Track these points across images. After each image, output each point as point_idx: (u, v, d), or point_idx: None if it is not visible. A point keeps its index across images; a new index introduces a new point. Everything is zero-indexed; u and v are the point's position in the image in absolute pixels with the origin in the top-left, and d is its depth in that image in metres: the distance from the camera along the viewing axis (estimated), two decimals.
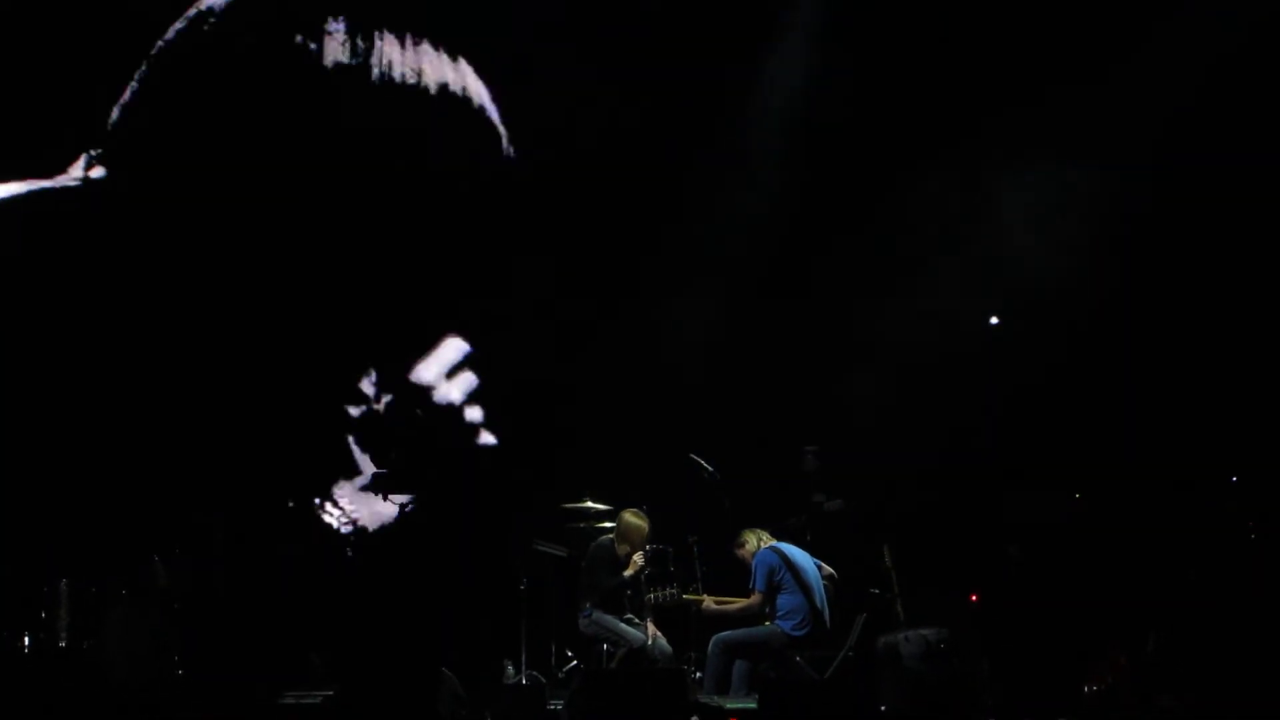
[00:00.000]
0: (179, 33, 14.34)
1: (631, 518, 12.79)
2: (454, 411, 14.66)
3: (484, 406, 14.77)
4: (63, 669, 11.33)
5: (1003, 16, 14.49)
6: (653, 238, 15.03)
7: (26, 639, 11.93)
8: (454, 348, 14.75)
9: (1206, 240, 14.20)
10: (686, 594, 12.60)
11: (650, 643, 12.50)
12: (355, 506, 14.24)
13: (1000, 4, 14.54)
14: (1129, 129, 14.28)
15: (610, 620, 12.65)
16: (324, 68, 14.44)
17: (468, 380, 14.73)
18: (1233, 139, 14.02)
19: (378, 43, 14.59)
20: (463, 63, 14.84)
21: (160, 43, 14.25)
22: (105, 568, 12.18)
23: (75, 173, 14.06)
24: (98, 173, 14.05)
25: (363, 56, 14.52)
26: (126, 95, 14.18)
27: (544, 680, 12.94)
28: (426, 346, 14.74)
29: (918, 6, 14.69)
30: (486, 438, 14.74)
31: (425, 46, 14.74)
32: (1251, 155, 13.99)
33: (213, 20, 14.37)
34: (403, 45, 14.65)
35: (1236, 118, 14.05)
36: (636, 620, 12.70)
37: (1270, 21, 13.81)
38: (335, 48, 14.52)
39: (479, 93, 14.91)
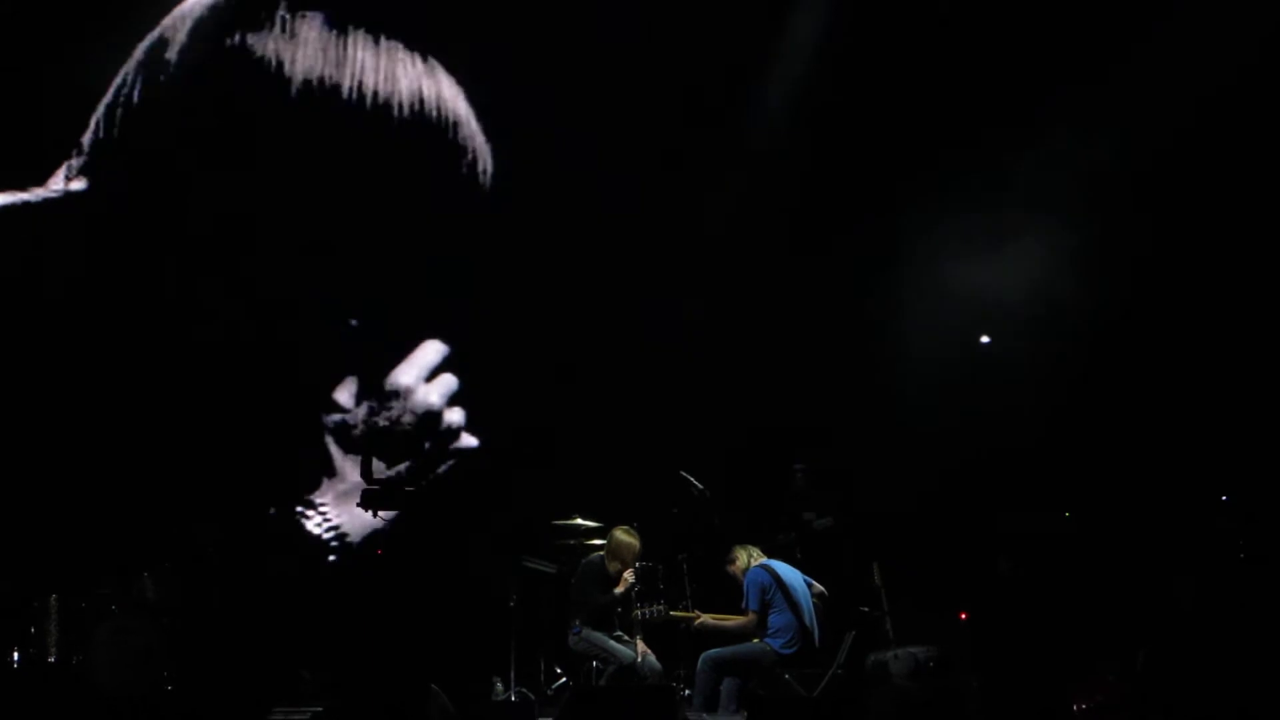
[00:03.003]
0: (153, 43, 14.45)
1: (623, 535, 12.77)
2: (434, 415, 14.71)
3: (465, 408, 14.83)
4: (52, 684, 11.33)
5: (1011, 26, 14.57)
6: (643, 251, 15.07)
7: (16, 654, 11.95)
8: (433, 350, 14.77)
9: (1202, 257, 14.24)
10: (675, 611, 12.59)
11: (639, 660, 12.48)
12: (338, 512, 14.26)
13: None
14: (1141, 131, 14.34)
15: (600, 637, 12.64)
16: (296, 82, 14.54)
17: (447, 383, 14.75)
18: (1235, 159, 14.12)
19: (350, 48, 14.65)
20: (437, 67, 14.89)
21: (137, 53, 14.35)
22: (95, 582, 12.20)
23: (55, 185, 14.13)
24: (78, 185, 14.11)
25: (336, 64, 14.60)
26: (101, 107, 14.28)
27: (533, 697, 12.95)
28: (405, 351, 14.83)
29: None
30: (468, 440, 14.77)
31: (398, 50, 14.80)
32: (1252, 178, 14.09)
33: (186, 30, 14.46)
34: (376, 45, 14.70)
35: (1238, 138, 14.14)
36: (626, 637, 12.68)
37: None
38: (310, 54, 14.60)
39: (454, 98, 14.96)
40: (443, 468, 14.70)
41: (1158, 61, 14.01)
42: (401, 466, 12.34)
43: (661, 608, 12.44)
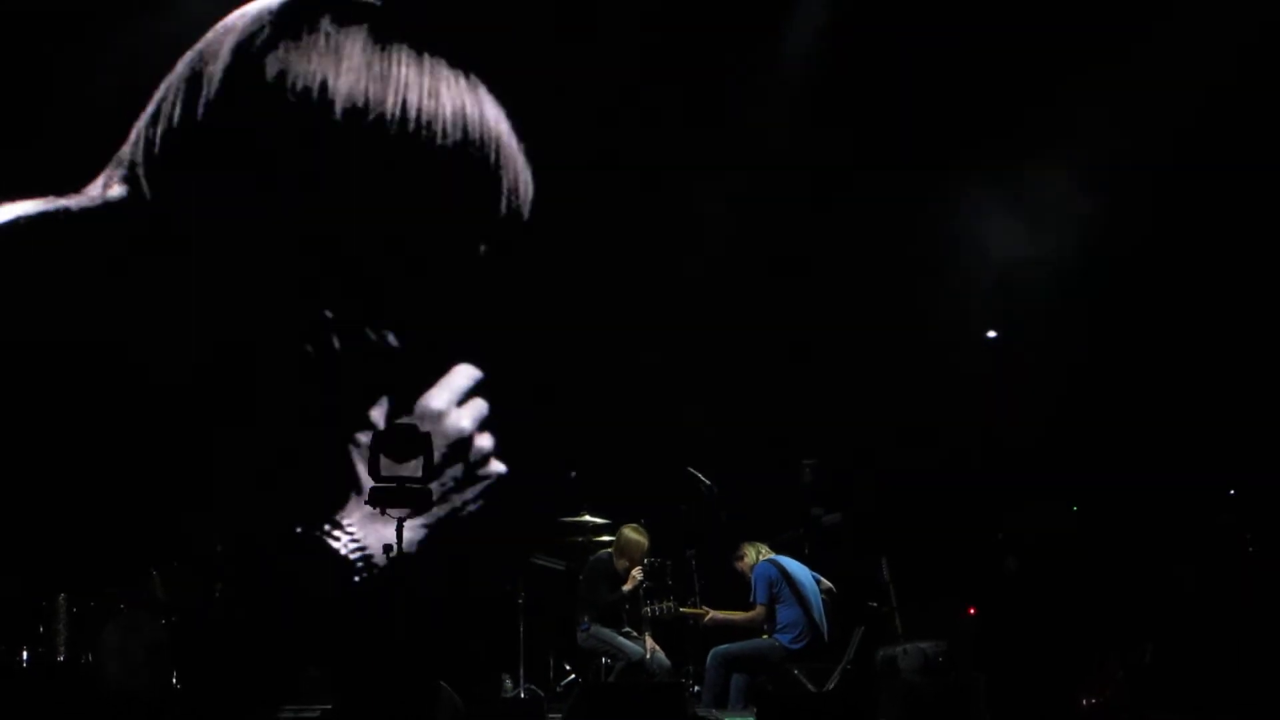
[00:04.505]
0: (194, 59, 14.47)
1: (631, 533, 12.78)
2: (464, 440, 14.78)
3: (495, 433, 14.89)
4: (61, 683, 11.33)
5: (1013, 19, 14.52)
6: (652, 252, 15.08)
7: (25, 653, 11.96)
8: (464, 374, 14.84)
9: (1205, 251, 14.20)
10: (684, 608, 12.60)
11: (648, 656, 12.49)
12: (363, 533, 14.32)
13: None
14: (1139, 132, 14.27)
15: (608, 634, 12.65)
16: (340, 101, 14.56)
17: (478, 408, 14.82)
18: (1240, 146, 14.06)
19: (394, 65, 14.67)
20: (479, 85, 14.93)
21: (179, 68, 14.38)
22: (103, 581, 12.20)
23: (94, 192, 14.18)
24: (116, 192, 14.16)
25: (380, 80, 14.62)
26: (147, 116, 14.32)
27: (542, 694, 12.95)
28: (437, 372, 14.88)
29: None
30: (496, 466, 14.85)
31: (442, 67, 14.82)
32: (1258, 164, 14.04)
33: (229, 47, 14.49)
34: (419, 62, 14.72)
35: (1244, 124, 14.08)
36: (635, 634, 12.69)
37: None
38: (354, 70, 14.61)
39: (496, 119, 15.00)
40: (472, 493, 14.78)
41: (1186, 36, 14.00)
42: (412, 465, 12.33)
43: (671, 604, 12.45)
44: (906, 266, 14.97)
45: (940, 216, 14.95)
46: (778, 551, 12.90)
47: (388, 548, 12.91)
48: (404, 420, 14.31)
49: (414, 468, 12.56)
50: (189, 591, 12.41)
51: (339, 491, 14.50)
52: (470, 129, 14.90)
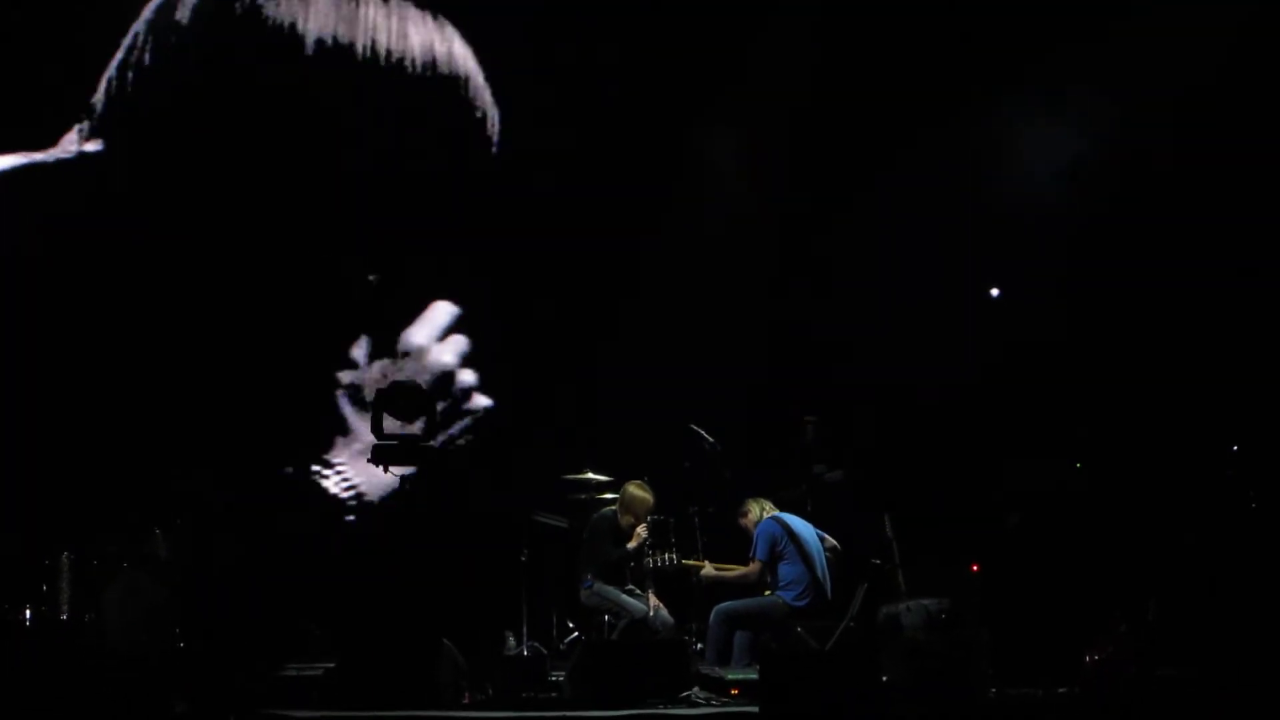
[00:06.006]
0: (162, 2, 14.44)
1: (636, 490, 12.77)
2: (447, 375, 14.77)
3: (477, 369, 14.86)
4: (64, 641, 11.32)
5: None
6: (654, 208, 15.01)
7: (27, 611, 11.96)
8: (444, 311, 14.82)
9: (1212, 204, 14.11)
10: (686, 560, 12.62)
11: (652, 614, 12.48)
12: (355, 471, 14.32)
13: None
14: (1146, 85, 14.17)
15: (612, 591, 12.65)
16: (307, 42, 14.50)
17: (459, 343, 14.81)
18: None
19: (361, 6, 14.64)
20: (447, 25, 14.87)
21: (146, 12, 14.35)
22: (106, 540, 12.20)
23: (68, 146, 14.13)
24: (92, 146, 14.11)
25: (348, 22, 14.57)
26: (113, 67, 14.27)
27: (545, 651, 12.95)
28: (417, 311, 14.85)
29: None
30: (480, 400, 14.82)
31: (409, 8, 14.78)
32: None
33: None
34: (386, 4, 14.69)
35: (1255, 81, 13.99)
36: (638, 591, 12.70)
37: None
38: (321, 13, 14.58)
39: (464, 57, 14.94)
40: (457, 428, 14.76)
41: None
42: (417, 424, 12.34)
43: (674, 555, 12.50)
44: (909, 222, 14.91)
45: (938, 163, 14.87)
46: (781, 509, 12.90)
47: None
48: (407, 379, 14.29)
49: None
50: (192, 550, 12.40)
51: (326, 432, 14.52)
52: (439, 63, 14.88)
